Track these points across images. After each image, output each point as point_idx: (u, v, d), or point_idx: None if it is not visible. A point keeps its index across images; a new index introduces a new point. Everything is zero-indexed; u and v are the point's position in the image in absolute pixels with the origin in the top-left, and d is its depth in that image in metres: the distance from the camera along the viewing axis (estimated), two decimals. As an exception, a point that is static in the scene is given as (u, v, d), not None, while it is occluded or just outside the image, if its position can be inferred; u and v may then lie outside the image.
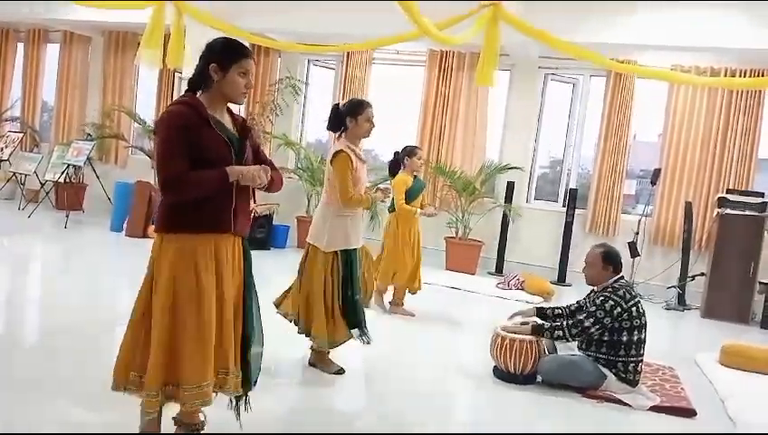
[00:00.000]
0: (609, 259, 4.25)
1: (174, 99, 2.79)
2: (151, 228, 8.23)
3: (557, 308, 4.55)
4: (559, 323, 4.20)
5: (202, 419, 2.85)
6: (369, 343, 4.11)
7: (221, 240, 2.68)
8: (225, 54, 2.66)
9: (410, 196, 5.64)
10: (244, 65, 2.67)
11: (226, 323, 2.70)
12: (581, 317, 4.14)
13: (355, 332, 4.05)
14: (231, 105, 2.85)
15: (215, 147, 2.62)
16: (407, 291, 5.80)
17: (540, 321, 4.43)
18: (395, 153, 5.72)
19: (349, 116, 4.01)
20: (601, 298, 4.13)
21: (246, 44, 2.82)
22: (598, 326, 4.09)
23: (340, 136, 4.08)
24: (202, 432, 2.85)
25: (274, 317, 4.22)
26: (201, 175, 2.57)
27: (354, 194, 3.95)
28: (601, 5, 7.11)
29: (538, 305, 4.67)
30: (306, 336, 4.06)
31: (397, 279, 5.66)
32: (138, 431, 2.80)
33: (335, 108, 4.11)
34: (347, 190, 3.93)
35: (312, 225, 4.10)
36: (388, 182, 5.86)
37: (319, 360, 4.11)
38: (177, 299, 2.60)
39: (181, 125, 2.56)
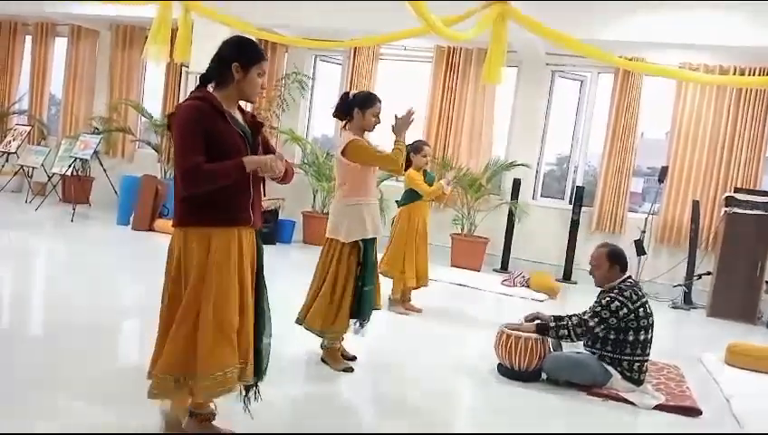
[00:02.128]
0: (615, 257, 4.22)
1: (181, 93, 2.81)
2: (157, 222, 8.26)
3: (562, 318, 4.31)
4: (564, 323, 4.18)
5: (212, 407, 2.89)
6: (362, 335, 4.13)
7: (241, 233, 2.75)
8: (248, 55, 2.73)
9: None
10: (263, 66, 2.76)
11: (246, 315, 2.77)
12: (586, 317, 4.13)
13: (353, 322, 4.07)
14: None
15: (230, 140, 2.67)
16: (413, 286, 5.77)
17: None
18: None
19: (357, 107, 4.03)
20: (607, 298, 4.11)
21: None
22: (603, 327, 4.07)
23: (345, 126, 4.12)
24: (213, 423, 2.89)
25: (280, 312, 4.23)
26: (218, 166, 2.60)
27: (384, 152, 3.96)
28: (610, 2, 7.08)
29: (539, 324, 4.31)
30: (299, 324, 4.09)
31: (405, 275, 5.64)
32: (143, 432, 2.82)
33: (344, 96, 4.15)
34: (382, 157, 3.96)
35: (329, 220, 4.12)
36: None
37: (329, 356, 4.13)
38: (206, 292, 2.63)
39: (196, 118, 2.60)
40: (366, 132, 4.15)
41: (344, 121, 4.13)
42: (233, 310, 2.69)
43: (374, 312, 4.25)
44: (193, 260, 2.64)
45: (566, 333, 4.15)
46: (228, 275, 2.67)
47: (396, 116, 4.03)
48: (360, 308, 4.04)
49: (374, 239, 4.11)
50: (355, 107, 4.03)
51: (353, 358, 4.22)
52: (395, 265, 5.64)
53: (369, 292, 4.08)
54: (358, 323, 4.10)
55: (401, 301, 5.73)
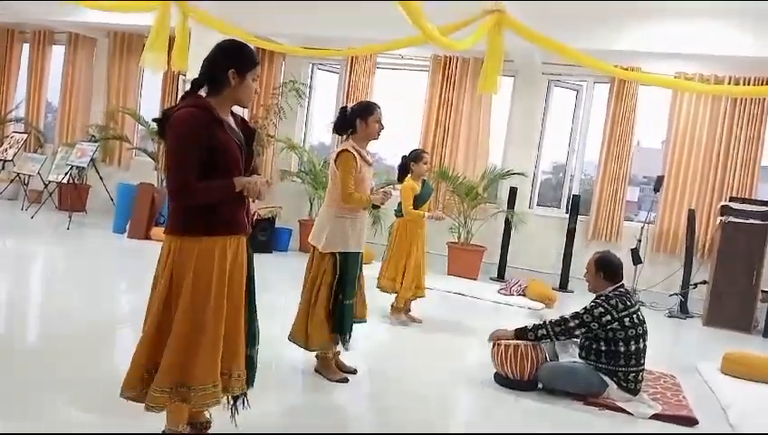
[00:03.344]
0: (602, 266, 4.22)
1: (179, 100, 2.77)
2: (154, 230, 8.24)
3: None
4: (542, 323, 4.22)
5: (207, 416, 2.88)
6: (347, 350, 4.07)
7: (234, 241, 2.72)
8: (245, 61, 2.69)
9: (419, 201, 5.59)
10: (257, 71, 2.74)
11: (238, 324, 2.75)
12: (567, 317, 4.15)
13: (336, 337, 4.00)
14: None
15: (228, 149, 2.64)
16: (410, 297, 5.73)
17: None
18: (402, 157, 5.69)
19: (359, 118, 4.00)
20: (592, 304, 4.14)
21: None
22: (584, 329, 4.09)
23: (347, 138, 4.07)
24: (209, 432, 2.89)
25: (276, 320, 4.22)
26: (209, 186, 2.58)
27: (354, 192, 3.92)
28: (606, 12, 7.12)
29: (518, 328, 4.35)
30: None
31: (402, 284, 5.62)
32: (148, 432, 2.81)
33: (343, 110, 4.11)
34: (347, 187, 3.89)
35: (314, 224, 4.10)
36: (396, 186, 5.83)
37: (323, 366, 4.09)
38: (199, 301, 2.60)
39: (195, 130, 2.55)
40: (371, 141, 4.11)
41: (346, 136, 4.08)
42: (225, 318, 2.66)
43: (363, 324, 4.21)
44: (188, 269, 2.60)
45: (545, 332, 4.16)
46: (224, 284, 2.65)
47: (382, 190, 4.11)
48: (341, 322, 3.95)
49: (358, 253, 4.06)
50: (356, 118, 4.00)
51: (354, 371, 4.18)
52: (397, 278, 5.59)
53: (349, 306, 3.99)
54: (341, 339, 4.01)
55: (402, 310, 5.70)
